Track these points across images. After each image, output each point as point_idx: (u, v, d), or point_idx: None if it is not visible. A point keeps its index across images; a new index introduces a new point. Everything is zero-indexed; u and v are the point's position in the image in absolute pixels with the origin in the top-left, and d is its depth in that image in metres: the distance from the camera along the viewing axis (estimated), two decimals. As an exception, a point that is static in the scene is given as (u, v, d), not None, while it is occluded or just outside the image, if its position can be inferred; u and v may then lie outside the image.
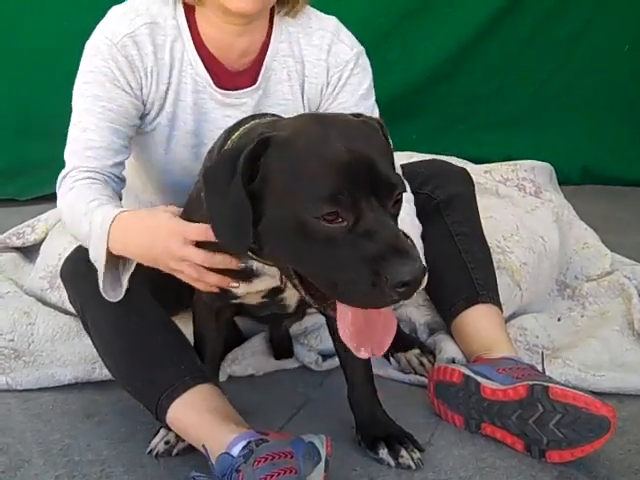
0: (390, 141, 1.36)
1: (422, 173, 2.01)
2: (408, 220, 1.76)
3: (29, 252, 2.67)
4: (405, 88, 3.91)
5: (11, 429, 1.75)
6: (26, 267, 2.58)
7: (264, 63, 1.79)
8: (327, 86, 1.83)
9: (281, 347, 2.03)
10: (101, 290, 1.58)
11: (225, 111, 1.78)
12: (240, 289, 1.49)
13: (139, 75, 1.73)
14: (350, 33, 1.87)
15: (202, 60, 1.76)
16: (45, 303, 2.27)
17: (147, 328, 1.64)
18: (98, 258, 1.57)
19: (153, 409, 1.60)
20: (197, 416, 1.55)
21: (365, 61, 1.86)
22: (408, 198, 1.83)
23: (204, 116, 1.80)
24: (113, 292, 1.60)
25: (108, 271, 1.58)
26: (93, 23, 1.78)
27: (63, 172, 1.75)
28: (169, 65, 1.75)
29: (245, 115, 1.59)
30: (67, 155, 1.76)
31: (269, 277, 1.46)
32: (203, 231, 1.39)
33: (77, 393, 1.90)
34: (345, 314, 1.27)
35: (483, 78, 4.00)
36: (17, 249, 2.68)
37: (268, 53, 1.79)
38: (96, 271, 1.60)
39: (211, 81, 1.77)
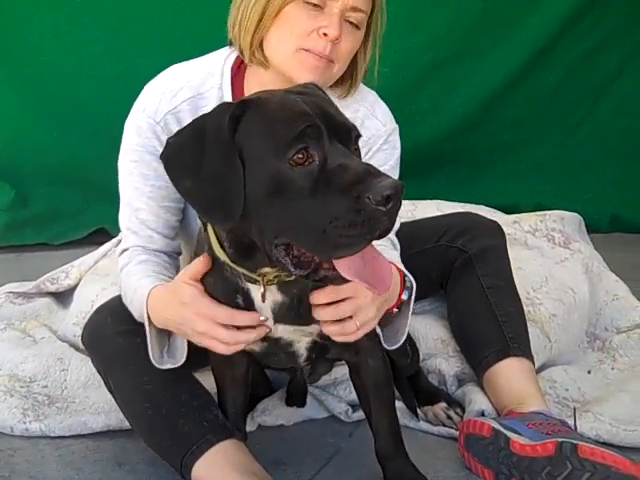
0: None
1: (454, 227, 2.02)
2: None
3: (63, 297, 2.71)
4: (434, 136, 3.94)
5: (45, 476, 1.77)
6: (60, 312, 2.62)
7: None
8: None
9: (295, 395, 2.00)
10: (151, 358, 1.60)
11: None
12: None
13: None
14: (387, 110, 1.88)
15: None
16: (78, 349, 2.28)
17: (168, 387, 1.65)
18: (146, 332, 1.61)
19: (178, 468, 1.61)
20: (221, 474, 1.56)
21: (396, 139, 1.87)
22: (394, 244, 1.85)
23: None
24: (166, 360, 1.63)
25: (157, 343, 1.62)
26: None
27: (123, 245, 1.79)
28: None
29: None
30: (126, 231, 1.79)
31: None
32: (230, 317, 1.43)
33: (109, 440, 1.92)
34: (343, 262, 1.26)
35: (511, 126, 4.01)
36: (51, 294, 2.72)
37: None
38: (116, 334, 1.69)
39: None
